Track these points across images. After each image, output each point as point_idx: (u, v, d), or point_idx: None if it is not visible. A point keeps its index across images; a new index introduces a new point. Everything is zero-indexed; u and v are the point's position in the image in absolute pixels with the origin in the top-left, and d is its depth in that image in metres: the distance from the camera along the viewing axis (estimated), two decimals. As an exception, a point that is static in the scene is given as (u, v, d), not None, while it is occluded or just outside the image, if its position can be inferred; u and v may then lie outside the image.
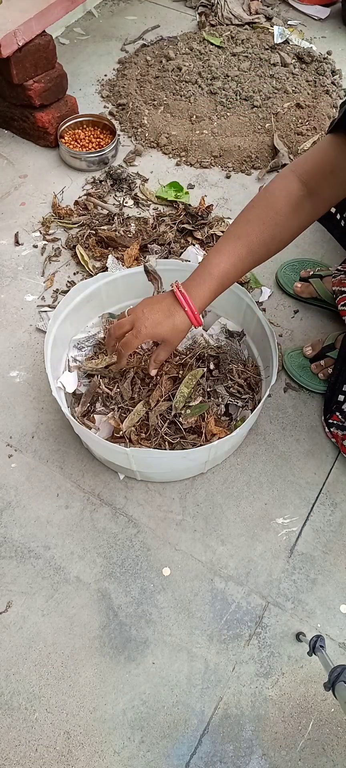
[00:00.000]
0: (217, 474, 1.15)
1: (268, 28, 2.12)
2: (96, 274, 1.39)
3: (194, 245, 1.48)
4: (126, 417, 1.11)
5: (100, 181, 1.67)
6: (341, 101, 1.00)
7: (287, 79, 1.93)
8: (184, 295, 0.99)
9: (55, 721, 0.91)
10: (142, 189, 1.65)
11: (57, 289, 1.43)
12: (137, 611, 1.00)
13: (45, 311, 1.38)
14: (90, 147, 1.72)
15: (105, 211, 1.58)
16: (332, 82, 1.95)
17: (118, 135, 1.76)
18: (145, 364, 1.17)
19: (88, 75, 2.01)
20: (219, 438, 1.09)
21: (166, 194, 1.62)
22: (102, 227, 1.52)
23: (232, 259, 0.99)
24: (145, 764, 0.88)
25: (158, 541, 1.07)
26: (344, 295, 1.26)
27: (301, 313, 1.40)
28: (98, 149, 1.69)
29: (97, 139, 1.74)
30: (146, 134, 1.80)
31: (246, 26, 2.15)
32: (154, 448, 1.08)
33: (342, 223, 1.30)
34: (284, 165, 1.70)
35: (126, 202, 1.62)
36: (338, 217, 1.31)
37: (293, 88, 1.91)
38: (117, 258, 1.44)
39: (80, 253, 1.46)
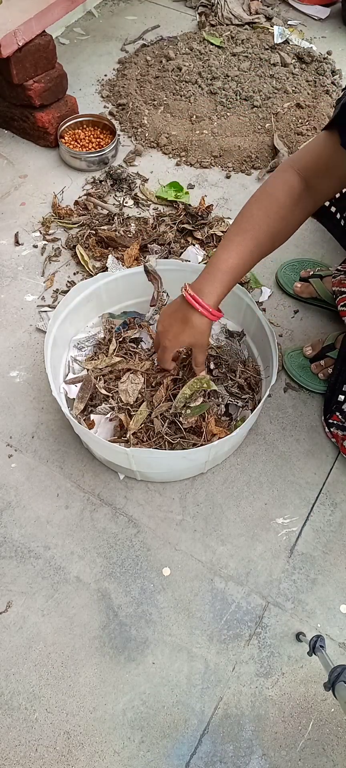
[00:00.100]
0: (217, 474, 1.15)
1: (268, 28, 2.12)
2: (96, 274, 1.39)
3: (194, 245, 1.48)
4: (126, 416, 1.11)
5: (100, 181, 1.67)
6: (337, 99, 1.00)
7: (287, 79, 1.93)
8: (194, 297, 1.00)
9: (55, 721, 0.91)
10: (142, 189, 1.65)
11: (57, 289, 1.43)
12: (137, 611, 1.00)
13: (45, 311, 1.38)
14: (90, 147, 1.72)
15: (105, 211, 1.58)
16: (332, 82, 1.95)
17: (118, 135, 1.76)
18: (150, 368, 1.17)
19: (88, 75, 2.01)
20: (219, 438, 1.09)
21: (166, 194, 1.62)
22: (102, 227, 1.52)
23: (240, 253, 1.00)
24: (145, 764, 0.88)
25: (158, 541, 1.07)
26: (343, 296, 1.26)
27: (301, 313, 1.40)
28: (98, 149, 1.69)
29: (97, 139, 1.74)
30: (146, 134, 1.80)
31: (246, 26, 2.15)
32: (154, 448, 1.08)
33: (342, 223, 1.30)
34: (284, 165, 1.70)
35: (126, 202, 1.62)
36: (338, 216, 1.31)
37: (293, 88, 1.91)
38: (117, 258, 1.44)
39: (80, 253, 1.46)
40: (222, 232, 1.51)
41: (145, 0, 2.33)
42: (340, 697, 0.78)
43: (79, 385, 1.18)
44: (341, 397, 1.17)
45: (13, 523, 1.09)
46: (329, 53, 2.08)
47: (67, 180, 1.68)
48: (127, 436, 1.09)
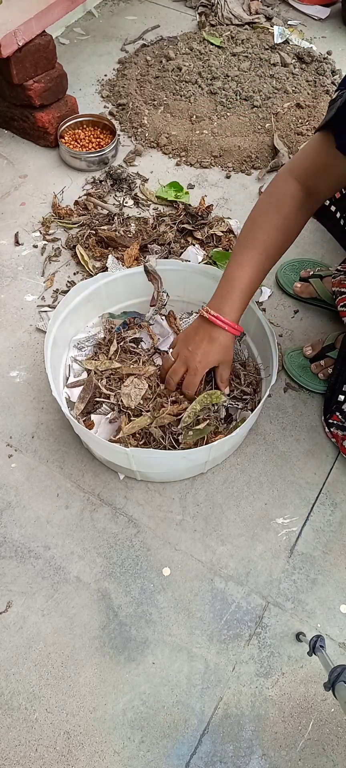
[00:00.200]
0: (217, 474, 1.15)
1: (268, 28, 2.12)
2: (96, 274, 1.39)
3: (194, 245, 1.48)
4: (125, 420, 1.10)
5: (100, 181, 1.67)
6: (330, 99, 1.01)
7: (287, 79, 1.93)
8: (217, 317, 1.04)
9: (55, 721, 0.91)
10: (142, 189, 1.65)
11: (57, 289, 1.43)
12: (137, 611, 1.00)
13: (45, 311, 1.38)
14: (90, 147, 1.72)
15: (105, 211, 1.58)
16: (332, 82, 1.95)
17: (118, 135, 1.76)
18: (154, 374, 1.16)
19: (88, 75, 2.01)
20: (219, 438, 1.09)
21: (166, 194, 1.62)
22: (102, 227, 1.52)
23: (254, 268, 1.05)
24: (145, 764, 0.88)
25: (158, 541, 1.07)
26: (343, 296, 1.26)
27: (301, 313, 1.40)
28: (98, 149, 1.69)
29: (97, 139, 1.74)
30: (146, 134, 1.80)
31: (246, 26, 2.15)
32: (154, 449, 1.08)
33: (341, 222, 1.30)
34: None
35: (126, 202, 1.62)
36: (338, 215, 1.31)
37: (293, 88, 1.91)
38: (117, 258, 1.44)
39: (80, 253, 1.46)
40: (222, 232, 1.52)
41: (145, 0, 2.33)
42: (340, 697, 0.78)
43: (81, 387, 1.18)
44: (341, 397, 1.17)
45: (13, 523, 1.09)
46: (329, 53, 2.08)
47: (67, 180, 1.68)
48: (118, 436, 1.08)
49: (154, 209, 1.60)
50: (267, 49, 2.04)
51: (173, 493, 1.13)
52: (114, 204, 1.61)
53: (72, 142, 1.73)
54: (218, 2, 2.19)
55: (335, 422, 1.18)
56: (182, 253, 1.46)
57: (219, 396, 1.11)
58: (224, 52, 2.02)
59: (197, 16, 2.21)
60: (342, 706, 0.77)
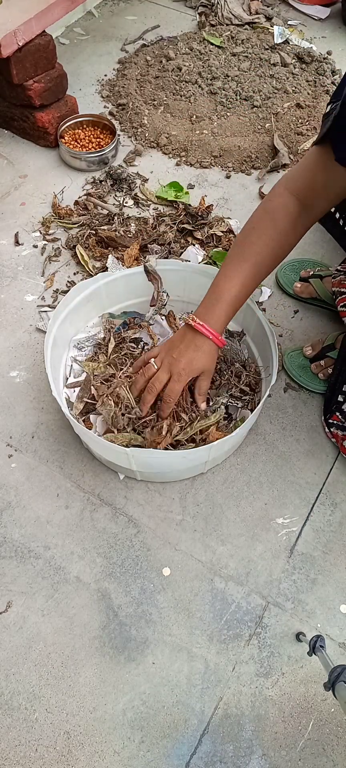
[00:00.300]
0: (217, 474, 1.15)
1: (268, 28, 2.12)
2: (96, 274, 1.39)
3: (194, 245, 1.48)
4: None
5: (100, 181, 1.67)
6: (324, 113, 1.00)
7: (287, 79, 1.93)
8: (203, 326, 1.04)
9: (55, 721, 0.91)
10: (142, 189, 1.65)
11: (57, 289, 1.43)
12: (137, 611, 1.00)
13: (45, 311, 1.39)
14: (90, 147, 1.72)
15: (105, 211, 1.58)
16: (332, 82, 1.95)
17: (118, 135, 1.76)
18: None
19: (88, 75, 2.01)
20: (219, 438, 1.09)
21: (166, 194, 1.62)
22: (102, 227, 1.52)
23: (241, 281, 1.04)
24: (145, 764, 0.88)
25: (158, 541, 1.07)
26: (343, 296, 1.26)
27: (301, 313, 1.40)
28: (98, 149, 1.69)
29: (97, 139, 1.74)
30: (146, 134, 1.80)
31: (246, 26, 2.15)
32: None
33: (341, 223, 1.30)
34: (285, 165, 1.70)
35: (126, 202, 1.62)
36: (338, 216, 1.31)
37: (293, 88, 1.91)
38: (117, 258, 1.44)
39: (80, 253, 1.46)
40: (222, 232, 1.52)
41: (145, 0, 2.33)
42: (340, 697, 0.78)
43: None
44: (341, 397, 1.17)
45: (13, 523, 1.09)
46: (329, 53, 2.08)
47: (67, 180, 1.68)
48: (110, 435, 1.07)
49: (154, 209, 1.60)
50: (267, 49, 2.04)
51: (173, 493, 1.13)
52: (114, 204, 1.61)
53: (72, 142, 1.73)
54: (218, 2, 2.19)
55: (335, 422, 1.18)
56: (182, 253, 1.46)
57: (215, 421, 1.10)
58: (224, 52, 2.02)
59: (197, 16, 2.21)
60: (342, 706, 0.77)
